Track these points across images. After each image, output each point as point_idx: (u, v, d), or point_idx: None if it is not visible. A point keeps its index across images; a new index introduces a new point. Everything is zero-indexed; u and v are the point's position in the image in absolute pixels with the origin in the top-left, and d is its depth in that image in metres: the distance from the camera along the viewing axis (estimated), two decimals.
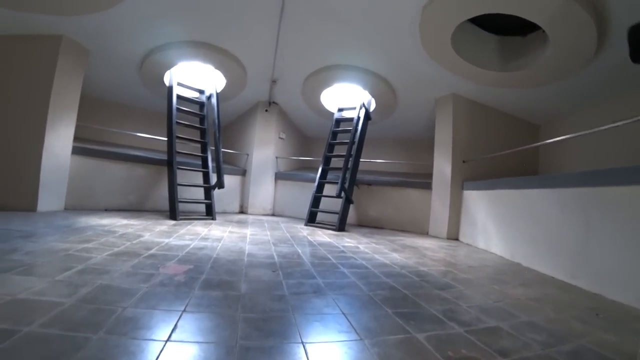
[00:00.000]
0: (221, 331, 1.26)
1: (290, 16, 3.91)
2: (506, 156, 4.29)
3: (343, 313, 1.54)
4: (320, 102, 5.83)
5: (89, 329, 1.16)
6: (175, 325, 1.27)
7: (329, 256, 2.82)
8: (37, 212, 3.70)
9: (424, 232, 4.96)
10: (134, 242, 2.67)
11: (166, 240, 2.85)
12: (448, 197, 4.54)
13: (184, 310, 1.41)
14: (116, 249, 2.36)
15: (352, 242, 3.66)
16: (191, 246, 2.73)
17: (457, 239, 4.46)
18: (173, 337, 1.18)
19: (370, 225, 5.48)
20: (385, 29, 3.83)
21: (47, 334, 1.11)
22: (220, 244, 2.93)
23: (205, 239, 3.14)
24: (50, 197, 3.90)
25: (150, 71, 4.89)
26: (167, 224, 3.87)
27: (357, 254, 3.02)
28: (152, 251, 2.41)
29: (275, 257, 2.62)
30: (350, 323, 1.43)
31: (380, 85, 5.00)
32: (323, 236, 4.00)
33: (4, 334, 1.07)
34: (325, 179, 5.36)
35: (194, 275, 1.94)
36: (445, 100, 4.85)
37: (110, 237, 2.74)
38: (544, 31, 3.35)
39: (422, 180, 5.17)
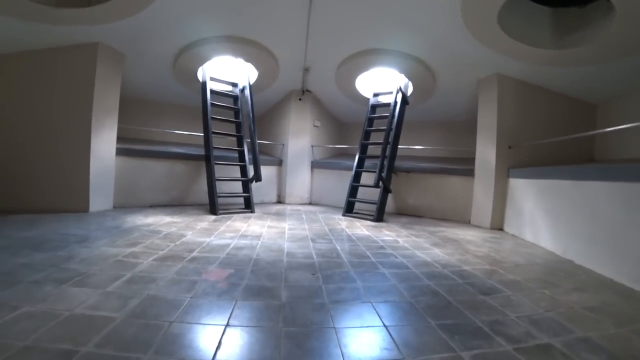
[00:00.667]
0: (263, 349, 1.27)
1: (320, 3, 3.79)
2: (558, 140, 3.94)
3: (384, 325, 1.51)
4: (355, 88, 5.68)
5: (140, 349, 1.21)
6: (220, 342, 1.30)
7: (368, 253, 2.78)
8: (90, 213, 3.94)
9: (465, 221, 4.76)
10: (177, 243, 2.78)
11: (207, 240, 2.94)
12: (492, 185, 4.29)
13: (227, 325, 1.44)
14: (161, 252, 2.46)
15: (391, 235, 3.59)
16: (231, 246, 2.79)
17: (501, 229, 4.24)
18: (218, 355, 1.21)
19: (409, 214, 5.35)
20: (421, 9, 3.60)
21: (102, 355, 1.16)
22: (259, 242, 2.97)
23: (244, 236, 3.21)
24: (100, 198, 4.14)
25: (184, 68, 4.96)
26: (208, 219, 4.00)
27: (397, 249, 2.96)
28: (194, 253, 2.49)
29: (314, 256, 2.62)
30: (392, 338, 1.40)
31: (417, 68, 4.77)
32: (361, 228, 3.96)
33: (65, 354, 1.15)
34: (362, 167, 5.27)
35: (235, 281, 1.98)
36: (489, 81, 4.52)
37: (154, 239, 2.87)
38: (608, 0, 2.97)
39: (464, 167, 4.93)
